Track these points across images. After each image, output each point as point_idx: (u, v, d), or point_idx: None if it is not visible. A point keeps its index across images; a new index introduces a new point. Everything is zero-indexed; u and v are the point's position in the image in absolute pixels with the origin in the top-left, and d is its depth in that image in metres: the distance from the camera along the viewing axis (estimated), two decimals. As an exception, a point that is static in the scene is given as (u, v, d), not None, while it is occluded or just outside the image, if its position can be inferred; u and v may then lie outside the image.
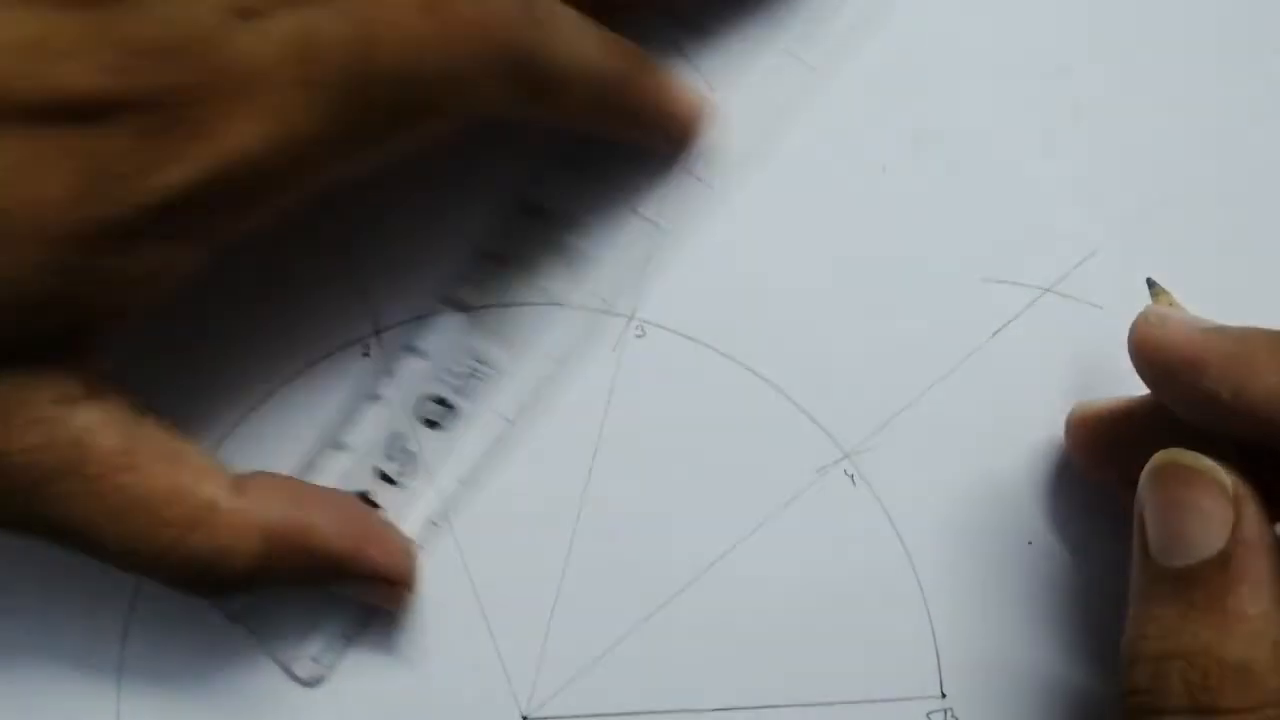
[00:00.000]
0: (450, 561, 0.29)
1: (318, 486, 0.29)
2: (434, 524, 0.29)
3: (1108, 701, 0.29)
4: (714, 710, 0.29)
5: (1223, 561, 0.23)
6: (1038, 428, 0.29)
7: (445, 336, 0.29)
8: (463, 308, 0.29)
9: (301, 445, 0.29)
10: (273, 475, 0.28)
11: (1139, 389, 0.26)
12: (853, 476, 0.29)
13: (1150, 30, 0.30)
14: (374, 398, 0.29)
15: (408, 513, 0.29)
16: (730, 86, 0.30)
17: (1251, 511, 0.23)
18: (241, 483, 0.26)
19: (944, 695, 0.29)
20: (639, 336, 0.30)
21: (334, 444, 0.29)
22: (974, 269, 0.30)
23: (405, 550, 0.28)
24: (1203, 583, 0.23)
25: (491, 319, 0.29)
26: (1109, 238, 0.30)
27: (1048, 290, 0.30)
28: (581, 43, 0.26)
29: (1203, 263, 0.29)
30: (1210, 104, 0.30)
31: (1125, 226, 0.30)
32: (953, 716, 0.29)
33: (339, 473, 0.29)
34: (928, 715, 0.29)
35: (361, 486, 0.29)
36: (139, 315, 0.25)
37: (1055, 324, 0.30)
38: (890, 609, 0.29)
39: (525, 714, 0.29)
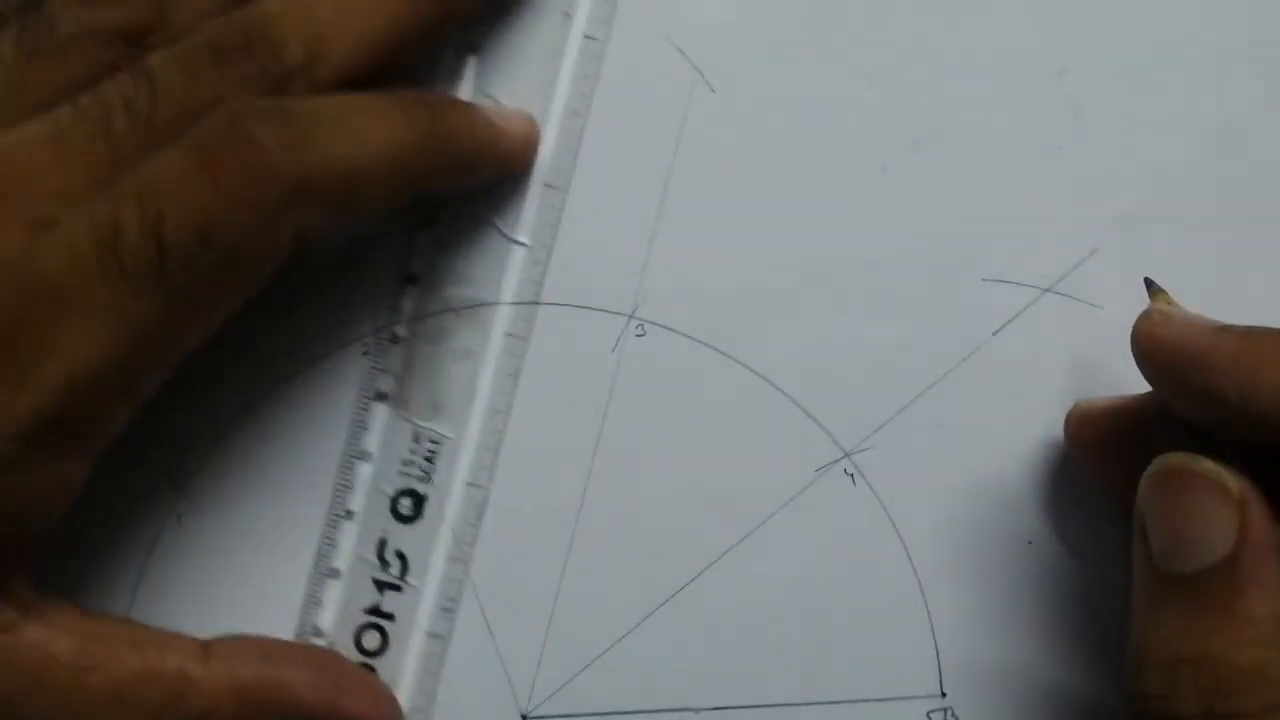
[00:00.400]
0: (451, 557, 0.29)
1: (288, 642, 0.28)
2: (446, 609, 0.29)
3: (1107, 701, 0.29)
4: (713, 709, 0.29)
5: (1230, 566, 0.22)
6: (1038, 427, 0.29)
7: (385, 433, 0.29)
8: (384, 398, 0.29)
9: (301, 445, 0.29)
10: (241, 637, 0.27)
11: (1140, 387, 0.26)
12: (853, 476, 0.29)
13: (1150, 31, 0.30)
14: (347, 515, 0.29)
15: (422, 607, 0.29)
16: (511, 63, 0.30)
17: (1257, 514, 0.23)
18: (209, 647, 0.26)
19: (944, 694, 0.29)
20: (639, 336, 0.30)
21: (328, 572, 0.29)
22: (974, 268, 0.30)
23: (385, 697, 0.28)
24: (1210, 588, 0.22)
25: (414, 392, 0.29)
26: (1109, 237, 0.30)
27: (1047, 290, 0.30)
28: (367, 131, 0.25)
29: (1202, 263, 0.29)
30: (1210, 104, 0.30)
31: (1125, 226, 0.30)
32: (953, 716, 0.29)
33: (341, 597, 0.29)
34: (928, 714, 0.29)
35: (370, 602, 0.29)
36: (52, 528, 0.25)
37: (1055, 323, 0.30)
38: (890, 608, 0.29)
39: (525, 713, 0.29)
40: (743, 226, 0.30)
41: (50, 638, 0.25)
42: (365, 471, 0.29)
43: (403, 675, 0.29)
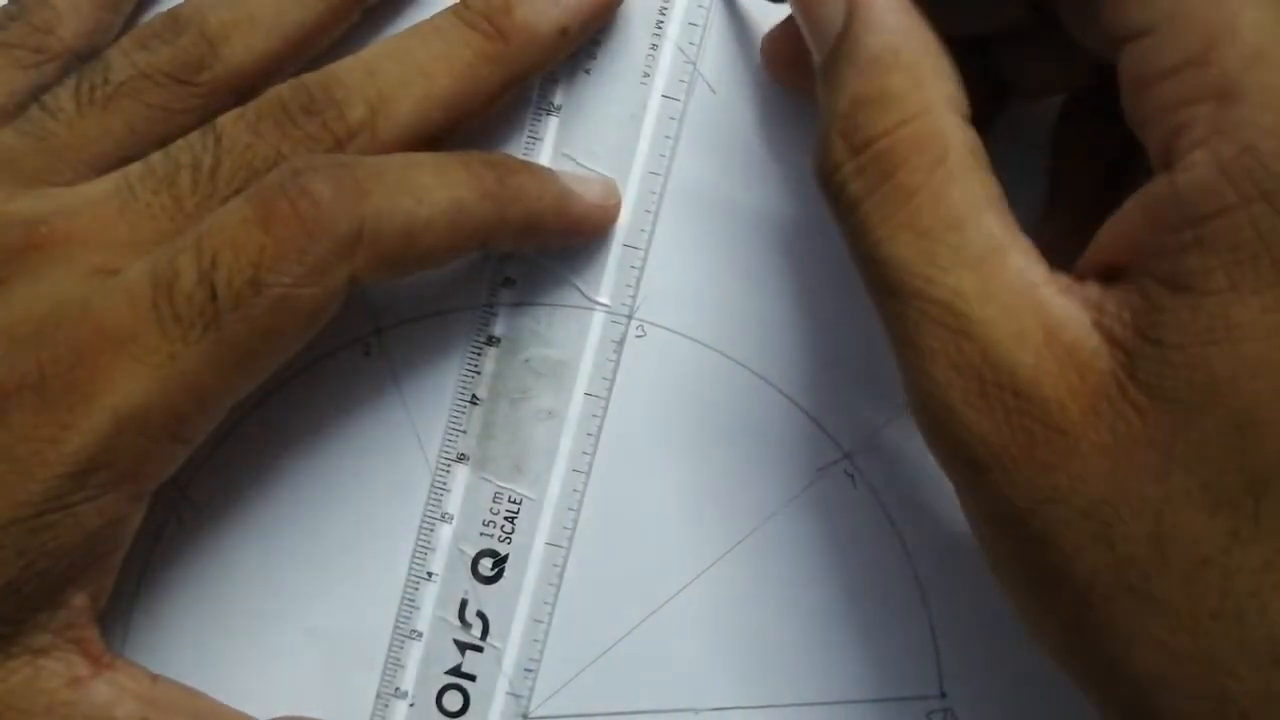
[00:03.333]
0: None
1: None
2: (529, 670, 0.29)
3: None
4: (713, 710, 0.29)
5: (846, 32, 0.24)
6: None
7: (465, 494, 0.29)
8: (465, 459, 0.29)
9: (303, 444, 0.29)
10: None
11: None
12: (853, 476, 0.29)
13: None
14: (429, 576, 0.29)
15: (504, 668, 0.29)
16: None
17: None
18: None
19: (944, 695, 0.29)
20: (640, 336, 0.30)
21: (410, 634, 0.29)
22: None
23: None
24: (840, 53, 0.24)
25: (495, 453, 0.29)
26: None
27: (1048, 290, 0.30)
28: (429, 188, 0.26)
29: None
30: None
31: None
32: (953, 716, 0.29)
33: (422, 658, 0.29)
34: (928, 715, 0.29)
35: (452, 663, 0.29)
36: (108, 572, 0.26)
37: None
38: (890, 609, 0.29)
39: (525, 713, 0.29)
40: (743, 227, 0.30)
41: (116, 698, 0.25)
42: (446, 533, 0.29)
43: None
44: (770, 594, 0.29)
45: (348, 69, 0.27)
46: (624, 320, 0.30)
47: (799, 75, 0.28)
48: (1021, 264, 0.22)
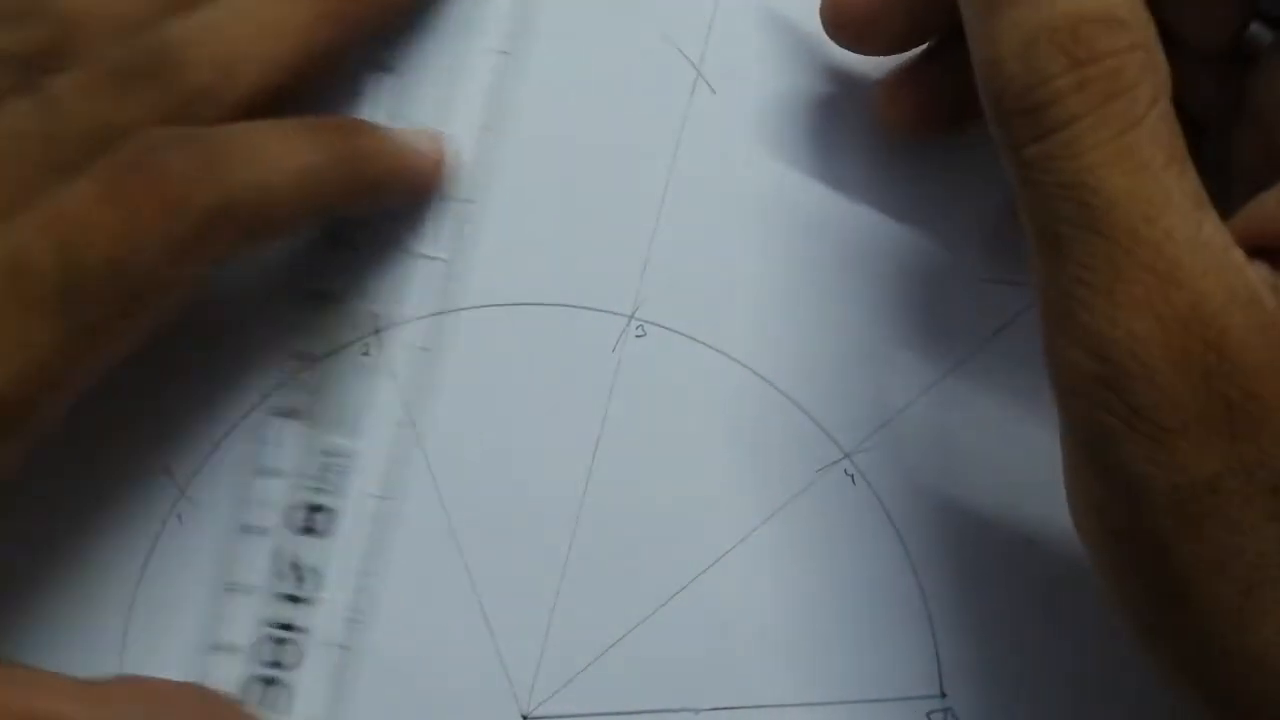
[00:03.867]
0: (450, 561, 0.29)
1: (178, 684, 0.27)
2: (356, 622, 0.29)
3: (1109, 702, 0.29)
4: (713, 710, 0.29)
5: None
6: (1038, 428, 0.29)
7: (294, 449, 0.29)
8: (289, 414, 0.29)
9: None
10: (131, 679, 0.27)
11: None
12: (853, 476, 0.29)
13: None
14: (253, 530, 0.29)
15: (331, 621, 0.29)
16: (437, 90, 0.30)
17: None
18: (91, 689, 0.25)
19: (944, 695, 0.29)
20: (639, 336, 0.30)
21: (234, 587, 0.29)
22: (975, 269, 0.30)
23: None
24: None
25: (324, 407, 0.29)
26: (1109, 238, 0.30)
27: (1048, 290, 0.30)
28: (279, 157, 0.25)
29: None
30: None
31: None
32: (953, 716, 0.29)
33: (250, 611, 0.29)
34: (927, 715, 0.29)
35: (279, 618, 0.29)
36: None
37: (1056, 324, 0.30)
38: (890, 609, 0.29)
39: (525, 713, 0.29)
40: (743, 226, 0.30)
41: None
42: (274, 487, 0.29)
43: (313, 689, 0.29)
44: (770, 594, 0.29)
45: (190, 29, 0.26)
46: (624, 319, 0.30)
47: (923, 121, 0.28)
48: (1216, 222, 0.21)
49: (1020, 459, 0.29)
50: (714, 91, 0.30)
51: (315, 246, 0.30)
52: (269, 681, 0.29)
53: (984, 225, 0.30)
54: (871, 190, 0.30)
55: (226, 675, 0.29)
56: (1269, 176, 0.23)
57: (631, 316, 0.30)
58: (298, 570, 0.29)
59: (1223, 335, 0.20)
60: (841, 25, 0.28)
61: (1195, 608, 0.21)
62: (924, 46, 0.28)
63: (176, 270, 0.24)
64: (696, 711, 0.29)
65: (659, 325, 0.30)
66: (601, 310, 0.30)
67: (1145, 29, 0.22)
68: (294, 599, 0.29)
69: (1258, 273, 0.21)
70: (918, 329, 0.30)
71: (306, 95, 0.28)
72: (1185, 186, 0.21)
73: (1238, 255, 0.21)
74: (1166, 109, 0.21)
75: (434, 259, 0.30)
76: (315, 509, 0.29)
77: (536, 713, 0.29)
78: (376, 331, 0.30)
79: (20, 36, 0.26)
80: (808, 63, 0.30)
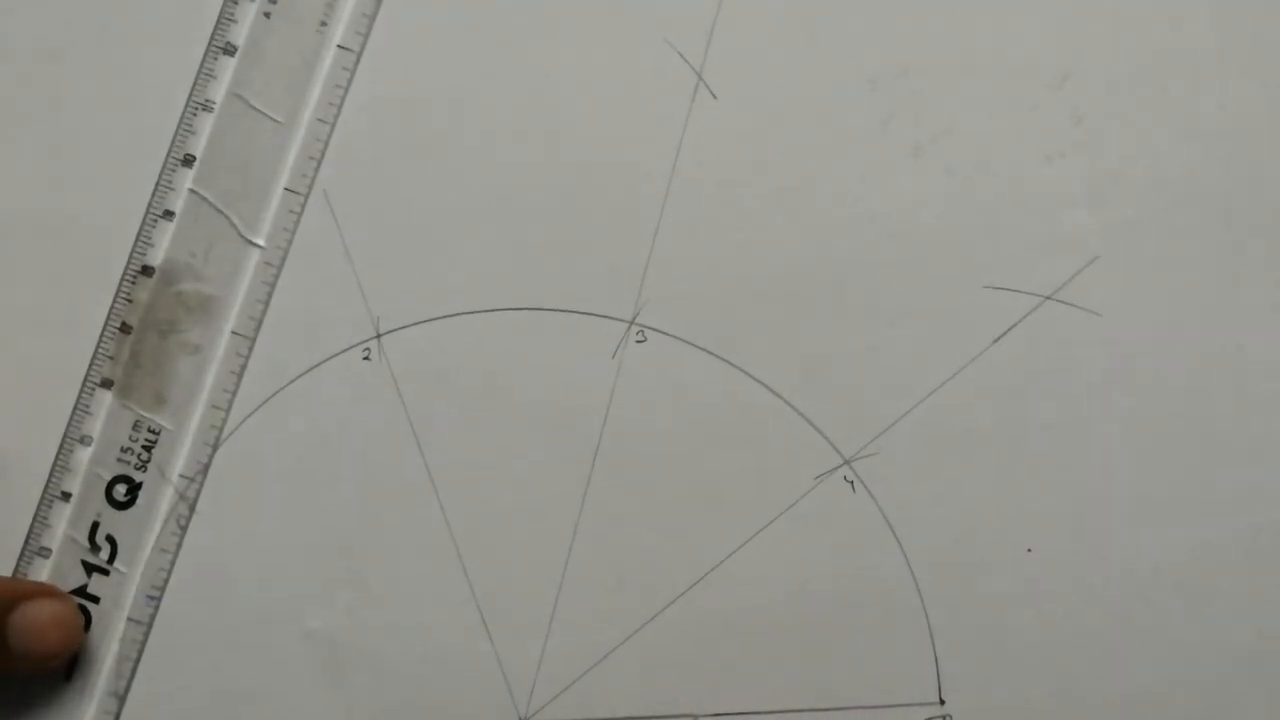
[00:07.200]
0: (450, 565, 0.29)
1: None
2: (151, 598, 0.29)
3: (1108, 709, 0.29)
4: (712, 715, 0.29)
5: None
6: (1038, 434, 0.29)
7: (107, 419, 0.30)
8: (110, 385, 0.29)
9: (303, 444, 0.29)
10: None
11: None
12: (853, 483, 0.29)
13: (1150, 38, 0.30)
14: (63, 496, 0.29)
15: (127, 593, 0.29)
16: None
17: None
18: None
19: (943, 701, 0.29)
20: (640, 342, 0.30)
21: (38, 550, 0.29)
22: (975, 276, 0.30)
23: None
24: None
25: (139, 381, 0.29)
26: (1109, 245, 0.30)
27: (1048, 298, 0.30)
28: None
29: (1202, 270, 0.29)
30: (1210, 111, 0.30)
31: (1125, 234, 0.30)
32: (951, 723, 0.29)
33: (50, 575, 0.29)
34: (926, 721, 0.29)
35: (78, 584, 0.29)
36: None
37: (1055, 331, 0.30)
38: (889, 615, 0.29)
39: (524, 716, 0.29)
40: (743, 233, 0.30)
41: None
42: (84, 455, 0.29)
43: (104, 659, 0.29)
44: (770, 600, 0.29)
45: None
46: (624, 325, 0.30)
47: None
48: None
49: (1019, 466, 0.29)
50: (715, 97, 0.30)
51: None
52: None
53: (985, 232, 0.30)
54: (872, 196, 0.30)
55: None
56: None
57: (632, 322, 0.30)
58: (102, 540, 0.29)
59: None
60: None
61: None
62: None
63: None
64: (696, 717, 0.29)
65: (659, 331, 0.30)
66: (602, 316, 0.30)
67: None
68: (99, 569, 0.29)
69: None
70: (919, 335, 0.30)
71: None
72: None
73: None
74: None
75: (255, 245, 0.30)
76: (124, 481, 0.29)
77: (536, 717, 0.29)
78: (378, 336, 0.30)
79: None
80: (808, 68, 0.30)
